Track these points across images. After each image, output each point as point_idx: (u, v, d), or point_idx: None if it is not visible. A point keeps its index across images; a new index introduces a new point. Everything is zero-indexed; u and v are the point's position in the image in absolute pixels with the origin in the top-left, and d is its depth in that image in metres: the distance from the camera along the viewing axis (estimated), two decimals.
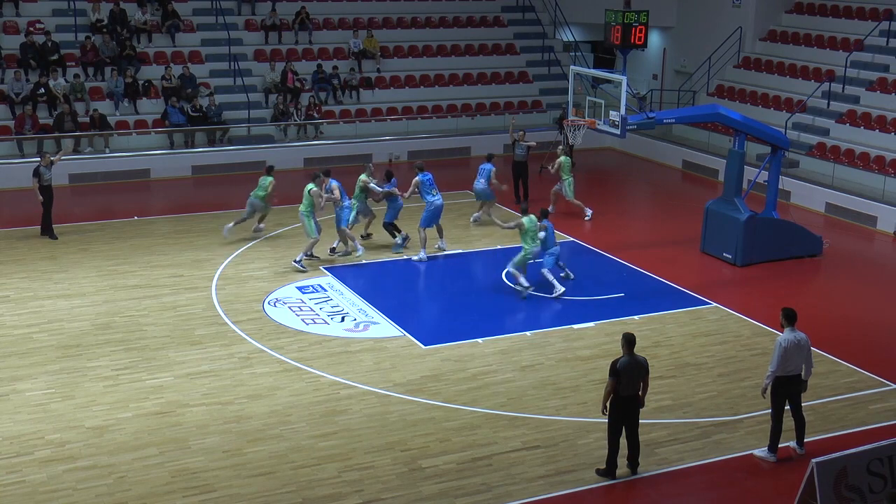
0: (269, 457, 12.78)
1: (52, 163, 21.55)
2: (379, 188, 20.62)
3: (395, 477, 12.38)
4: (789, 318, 12.80)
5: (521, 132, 25.09)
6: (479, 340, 16.63)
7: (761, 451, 12.99)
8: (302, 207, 19.67)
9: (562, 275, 19.11)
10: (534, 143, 25.03)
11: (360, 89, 31.10)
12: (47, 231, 21.46)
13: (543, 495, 12.08)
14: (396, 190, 20.73)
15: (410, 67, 32.49)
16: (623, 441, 12.42)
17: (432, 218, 20.52)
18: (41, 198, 21.23)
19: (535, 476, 12.46)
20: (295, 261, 19.58)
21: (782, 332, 12.79)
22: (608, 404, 12.24)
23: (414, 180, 20.57)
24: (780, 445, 12.94)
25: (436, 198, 20.49)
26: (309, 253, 19.80)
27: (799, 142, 27.32)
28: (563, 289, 18.33)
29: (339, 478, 12.32)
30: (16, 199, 23.89)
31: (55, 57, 28.14)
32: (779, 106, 29.36)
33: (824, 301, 19.11)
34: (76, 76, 28.02)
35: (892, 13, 28.79)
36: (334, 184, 19.98)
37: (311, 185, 19.73)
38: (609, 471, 12.41)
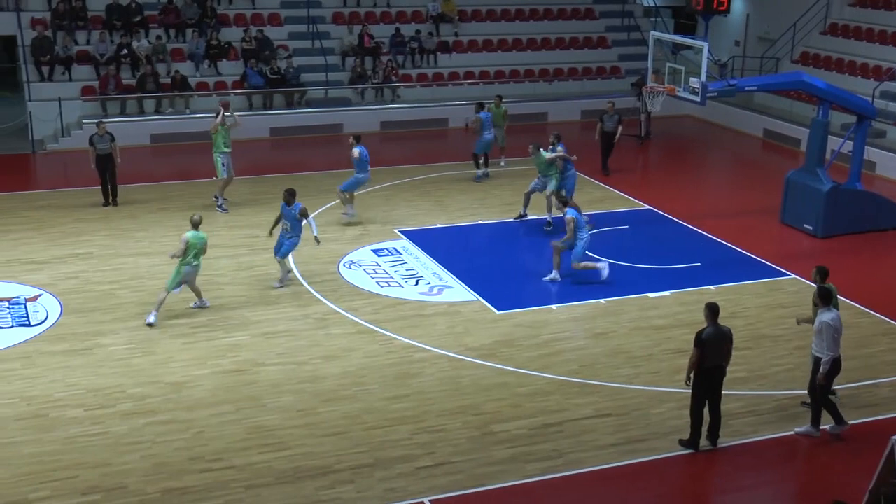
0: (342, 417, 12.94)
1: (108, 132, 21.14)
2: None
3: (467, 441, 12.45)
4: (826, 298, 12.37)
5: (611, 103, 24.65)
6: (553, 307, 16.59)
7: (835, 427, 12.68)
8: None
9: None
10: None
11: (438, 53, 31.02)
12: (107, 199, 21.27)
13: (614, 463, 12.06)
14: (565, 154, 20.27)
15: (488, 32, 32.29)
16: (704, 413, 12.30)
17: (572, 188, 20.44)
18: (93, 165, 21.03)
19: (607, 444, 12.43)
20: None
21: (822, 313, 12.30)
22: (692, 375, 12.12)
23: (559, 149, 20.23)
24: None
25: (571, 170, 20.42)
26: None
27: (886, 111, 26.54)
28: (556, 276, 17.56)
29: (410, 440, 12.43)
30: None
31: (138, 18, 28.55)
32: (866, 74, 28.58)
33: None
34: (158, 38, 28.40)
35: None
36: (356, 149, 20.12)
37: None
38: (692, 442, 12.32)
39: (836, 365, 12.38)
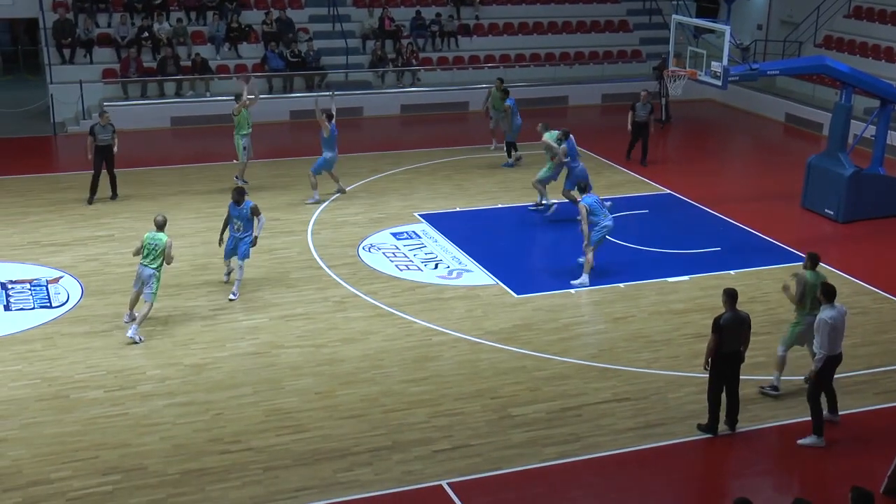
0: (361, 400, 12.98)
1: (111, 123, 20.28)
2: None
3: (485, 424, 12.47)
4: (829, 295, 12.14)
5: (645, 91, 24.35)
6: (572, 291, 16.57)
7: (808, 440, 12.27)
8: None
9: None
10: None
11: (458, 36, 30.95)
12: (94, 194, 20.36)
13: (632, 447, 12.06)
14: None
15: (509, 15, 32.18)
16: (722, 397, 12.26)
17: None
18: (90, 156, 20.08)
19: (625, 428, 12.43)
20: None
21: (824, 310, 12.07)
22: (710, 360, 12.08)
23: (562, 147, 19.50)
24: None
25: (577, 165, 19.65)
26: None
27: None
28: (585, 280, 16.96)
29: (428, 423, 12.46)
30: (120, 141, 24.35)
31: (159, 1, 28.60)
32: (891, 58, 28.31)
33: None
34: (179, 20, 28.46)
35: None
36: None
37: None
38: (710, 427, 12.30)
39: (828, 363, 12.07)
